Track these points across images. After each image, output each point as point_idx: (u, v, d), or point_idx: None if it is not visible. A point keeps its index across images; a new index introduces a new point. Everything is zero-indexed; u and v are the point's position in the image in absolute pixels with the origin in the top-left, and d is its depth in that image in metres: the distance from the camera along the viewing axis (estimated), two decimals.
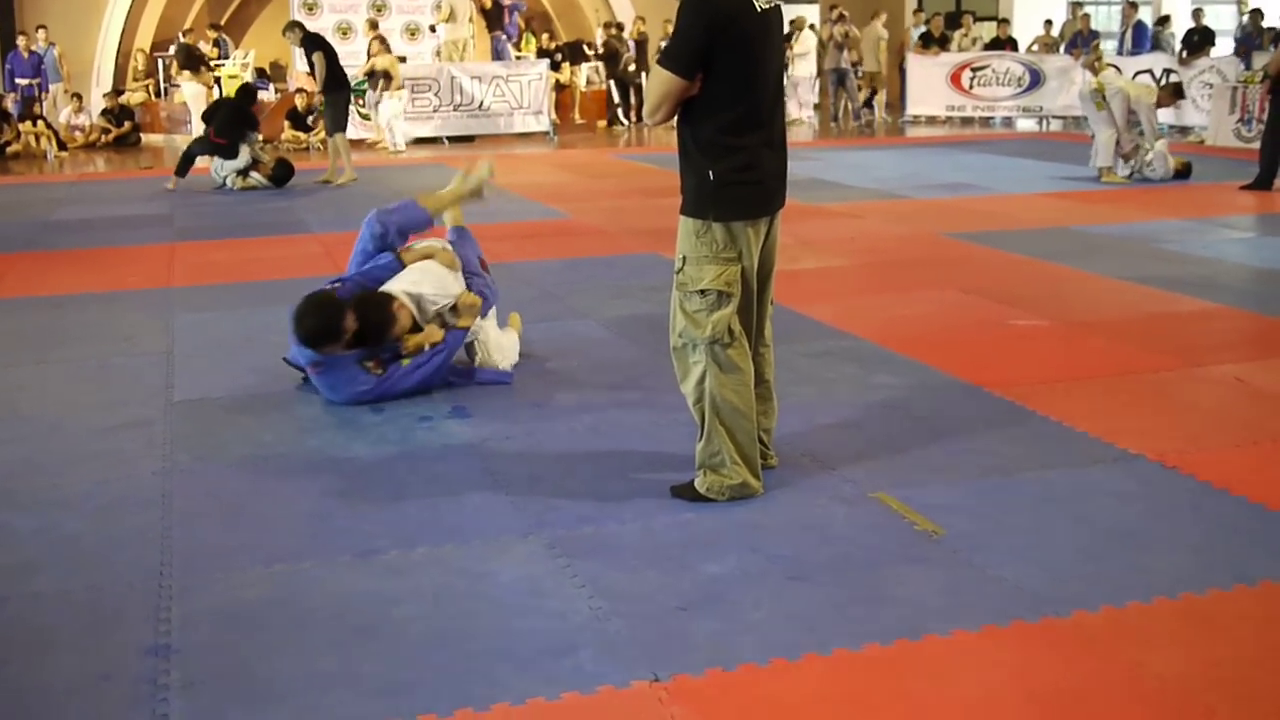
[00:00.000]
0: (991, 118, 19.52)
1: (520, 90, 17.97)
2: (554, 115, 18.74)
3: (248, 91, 13.56)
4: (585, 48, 21.14)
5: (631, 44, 20.20)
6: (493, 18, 19.99)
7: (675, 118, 3.79)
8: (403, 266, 5.28)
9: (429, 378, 5.09)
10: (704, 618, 3.14)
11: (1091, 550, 3.51)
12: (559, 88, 20.05)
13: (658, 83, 3.70)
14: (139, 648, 3.04)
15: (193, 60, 17.76)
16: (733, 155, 3.72)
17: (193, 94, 17.30)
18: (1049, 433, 4.54)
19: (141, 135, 18.87)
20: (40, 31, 18.75)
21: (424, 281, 5.16)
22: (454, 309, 5.18)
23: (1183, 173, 11.94)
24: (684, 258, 3.81)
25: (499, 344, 5.40)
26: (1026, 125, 19.23)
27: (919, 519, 3.74)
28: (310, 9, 19.50)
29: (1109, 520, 3.72)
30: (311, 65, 13.10)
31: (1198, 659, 2.91)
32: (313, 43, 12.92)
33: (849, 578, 3.36)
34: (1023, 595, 3.23)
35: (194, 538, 3.72)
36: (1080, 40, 18.40)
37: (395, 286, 5.13)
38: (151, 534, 3.75)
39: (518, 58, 19.66)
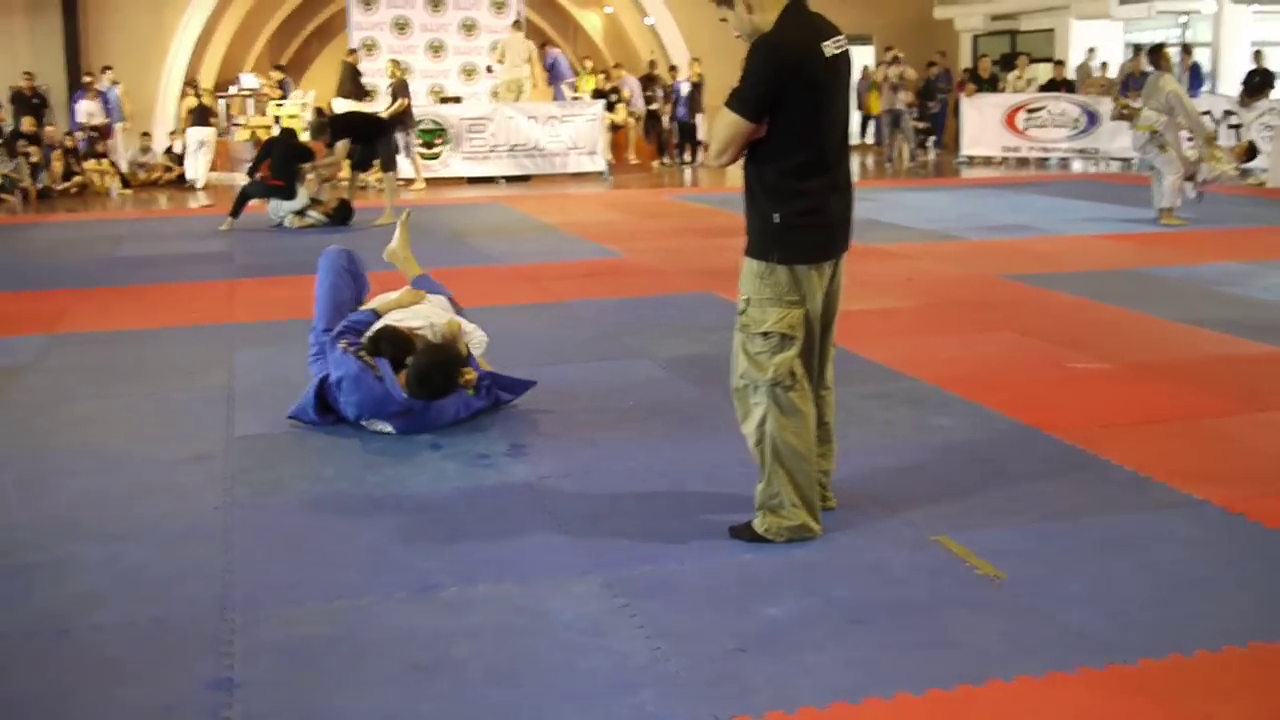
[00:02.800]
0: (1047, 159, 19.43)
1: (575, 130, 18.13)
2: (609, 155, 18.87)
3: (294, 132, 13.74)
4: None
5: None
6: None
7: (742, 159, 3.81)
8: (378, 318, 5.40)
9: (486, 399, 5.40)
10: (763, 660, 3.12)
11: (1157, 597, 3.46)
12: (613, 128, 20.21)
13: (725, 125, 3.72)
14: (203, 681, 3.07)
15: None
16: (798, 199, 3.74)
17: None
18: (1111, 477, 4.49)
19: None
20: (107, 73, 19.14)
21: (411, 319, 5.35)
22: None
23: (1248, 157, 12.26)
24: (747, 299, 3.81)
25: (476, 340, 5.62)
26: (1082, 167, 19.12)
27: (980, 563, 3.70)
28: (369, 49, 19.81)
29: (1175, 566, 3.67)
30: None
31: (1268, 709, 2.86)
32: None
33: (910, 621, 3.34)
34: (1087, 642, 3.19)
35: (255, 572, 3.76)
36: (1133, 82, 18.27)
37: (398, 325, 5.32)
38: (214, 567, 3.79)
39: (574, 98, 19.84)
